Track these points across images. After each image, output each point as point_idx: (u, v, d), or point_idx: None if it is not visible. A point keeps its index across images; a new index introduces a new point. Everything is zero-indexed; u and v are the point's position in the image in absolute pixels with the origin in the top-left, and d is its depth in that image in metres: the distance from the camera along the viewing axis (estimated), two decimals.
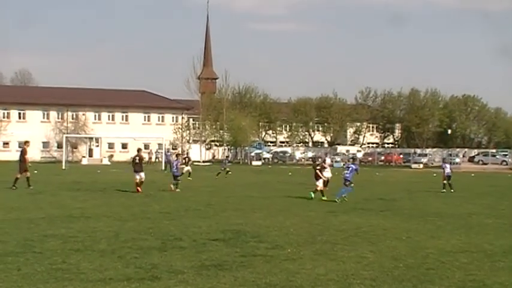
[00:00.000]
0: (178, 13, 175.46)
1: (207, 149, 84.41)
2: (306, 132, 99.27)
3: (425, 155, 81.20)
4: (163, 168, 51.11)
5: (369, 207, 20.22)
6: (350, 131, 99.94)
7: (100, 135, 75.31)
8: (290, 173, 46.50)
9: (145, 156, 67.70)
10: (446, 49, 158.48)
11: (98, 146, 75.85)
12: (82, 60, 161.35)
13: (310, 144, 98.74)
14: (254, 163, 73.12)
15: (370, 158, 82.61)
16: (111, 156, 73.21)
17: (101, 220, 15.36)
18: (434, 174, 39.62)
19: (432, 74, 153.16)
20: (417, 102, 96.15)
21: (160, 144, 71.77)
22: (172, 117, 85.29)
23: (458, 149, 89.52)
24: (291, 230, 14.10)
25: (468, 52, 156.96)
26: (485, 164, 76.28)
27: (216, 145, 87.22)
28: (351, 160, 26.13)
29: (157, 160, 69.94)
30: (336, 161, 71.94)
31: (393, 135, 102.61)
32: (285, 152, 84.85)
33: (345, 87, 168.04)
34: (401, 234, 13.60)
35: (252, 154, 77.41)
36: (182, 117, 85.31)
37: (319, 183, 23.10)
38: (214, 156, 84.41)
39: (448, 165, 30.13)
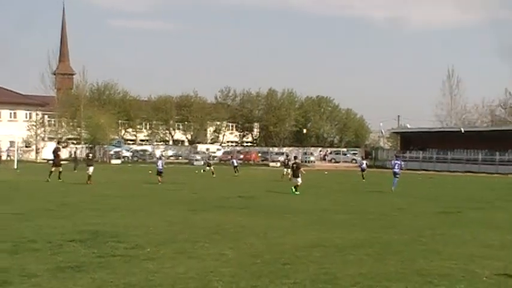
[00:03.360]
0: (32, 5, 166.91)
1: (64, 147, 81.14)
2: (167, 131, 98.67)
3: (282, 153, 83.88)
4: (15, 167, 48.61)
5: (228, 205, 20.57)
6: (210, 129, 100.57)
7: None
8: (150, 172, 46.00)
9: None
10: (303, 51, 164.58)
11: None
12: None
13: (171, 142, 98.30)
14: (113, 161, 71.43)
15: (229, 157, 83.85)
16: None
17: None
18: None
19: (289, 75, 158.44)
20: (274, 102, 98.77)
21: (12, 142, 67.94)
22: (26, 114, 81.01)
23: (312, 148, 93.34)
24: (151, 229, 14.01)
25: (322, 55, 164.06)
26: (337, 162, 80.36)
27: (73, 143, 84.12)
28: (395, 157, 33.93)
29: (9, 158, 66.28)
30: (196, 159, 72.43)
31: (252, 134, 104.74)
32: (145, 151, 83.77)
33: (205, 85, 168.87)
34: (259, 231, 13.98)
35: (111, 152, 75.63)
36: (36, 114, 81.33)
37: (300, 180, 26.93)
38: (71, 155, 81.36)
39: (364, 162, 45.59)
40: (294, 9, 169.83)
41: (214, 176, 42.21)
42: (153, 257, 10.52)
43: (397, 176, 30.06)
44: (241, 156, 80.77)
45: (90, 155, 33.44)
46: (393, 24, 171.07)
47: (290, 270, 9.61)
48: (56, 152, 33.93)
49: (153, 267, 9.60)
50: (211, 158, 54.71)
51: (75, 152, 59.24)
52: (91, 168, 30.92)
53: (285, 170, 39.89)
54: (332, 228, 14.85)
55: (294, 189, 26.63)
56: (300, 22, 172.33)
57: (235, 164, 48.80)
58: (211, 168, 45.14)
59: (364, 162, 46.43)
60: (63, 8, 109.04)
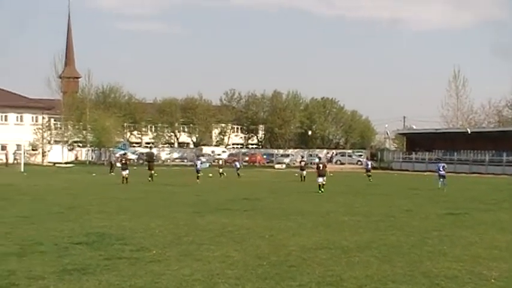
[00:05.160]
0: (38, 9, 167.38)
1: (70, 150, 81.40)
2: (172, 133, 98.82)
3: (288, 155, 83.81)
4: (22, 170, 48.74)
5: (234, 207, 20.56)
6: (215, 131, 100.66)
7: None
8: (156, 174, 46.02)
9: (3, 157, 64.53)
10: (308, 53, 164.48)
11: None
12: None
13: (176, 145, 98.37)
14: (118, 164, 71.46)
15: (235, 159, 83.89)
16: None
17: None
18: (296, 174, 41.04)
19: (294, 76, 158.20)
20: (279, 104, 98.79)
21: (18, 145, 68.11)
22: (32, 117, 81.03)
23: (318, 150, 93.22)
24: (157, 231, 14.02)
25: (327, 57, 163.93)
26: (343, 163, 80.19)
27: (79, 146, 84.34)
28: (442, 162, 37.57)
29: (15, 162, 66.40)
30: (202, 162, 72.41)
31: (257, 136, 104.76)
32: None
33: (210, 88, 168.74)
34: (264, 233, 13.97)
35: (117, 155, 75.78)
36: (43, 117, 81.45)
37: (325, 179, 29.56)
38: (77, 158, 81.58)
39: (369, 162, 48.42)
40: (298, 9, 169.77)
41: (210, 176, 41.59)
42: (158, 259, 10.54)
43: (445, 177, 33.16)
44: (247, 159, 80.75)
45: (123, 160, 38.66)
46: (398, 24, 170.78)
47: (296, 272, 9.61)
48: (151, 157, 41.73)
49: (158, 270, 9.62)
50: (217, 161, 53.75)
51: (109, 156, 63.90)
52: (127, 171, 35.42)
53: (302, 172, 39.58)
54: (337, 230, 14.83)
55: (320, 189, 28.54)
56: (305, 23, 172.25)
57: (238, 166, 48.00)
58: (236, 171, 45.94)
59: (370, 162, 48.26)
60: (69, 12, 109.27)
